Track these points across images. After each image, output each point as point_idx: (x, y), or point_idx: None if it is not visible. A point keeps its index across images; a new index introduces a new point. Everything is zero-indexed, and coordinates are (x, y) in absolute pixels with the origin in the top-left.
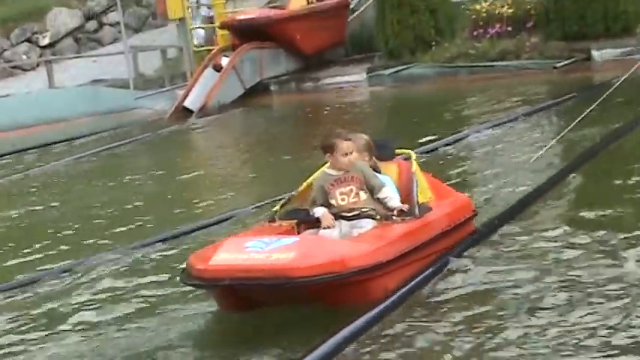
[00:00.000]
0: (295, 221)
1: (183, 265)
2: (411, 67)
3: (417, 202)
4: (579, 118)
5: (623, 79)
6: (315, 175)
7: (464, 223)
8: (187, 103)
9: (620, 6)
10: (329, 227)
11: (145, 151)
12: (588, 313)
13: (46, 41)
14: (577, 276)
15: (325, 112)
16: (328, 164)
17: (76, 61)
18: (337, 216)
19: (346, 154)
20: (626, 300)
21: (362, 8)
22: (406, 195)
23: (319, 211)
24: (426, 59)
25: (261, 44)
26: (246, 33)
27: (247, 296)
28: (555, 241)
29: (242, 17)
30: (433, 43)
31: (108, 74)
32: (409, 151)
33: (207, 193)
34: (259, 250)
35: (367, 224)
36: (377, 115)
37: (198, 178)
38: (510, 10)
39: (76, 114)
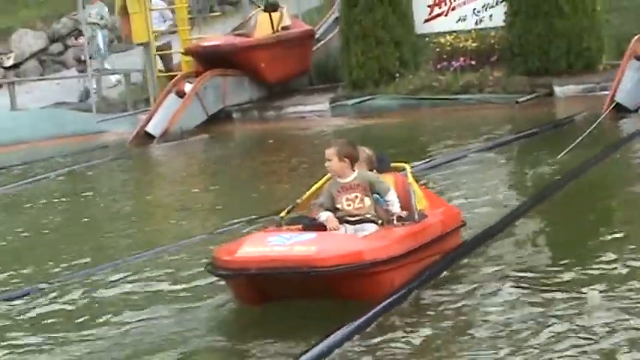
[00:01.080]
0: (301, 226)
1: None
2: (375, 98)
3: (416, 209)
4: (565, 151)
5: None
6: (322, 181)
7: (455, 230)
8: (149, 128)
9: (583, 42)
10: (334, 230)
11: (104, 175)
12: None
13: (10, 62)
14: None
15: (286, 141)
16: None
17: (40, 83)
18: (342, 220)
19: (328, 160)
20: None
21: (327, 38)
22: (403, 204)
23: (324, 215)
24: (390, 91)
25: (224, 71)
26: (211, 60)
27: (267, 288)
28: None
29: (206, 44)
30: (397, 74)
31: (71, 97)
32: (404, 164)
33: (159, 219)
34: (282, 244)
35: (370, 228)
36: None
37: (154, 204)
38: (474, 44)
39: (38, 136)
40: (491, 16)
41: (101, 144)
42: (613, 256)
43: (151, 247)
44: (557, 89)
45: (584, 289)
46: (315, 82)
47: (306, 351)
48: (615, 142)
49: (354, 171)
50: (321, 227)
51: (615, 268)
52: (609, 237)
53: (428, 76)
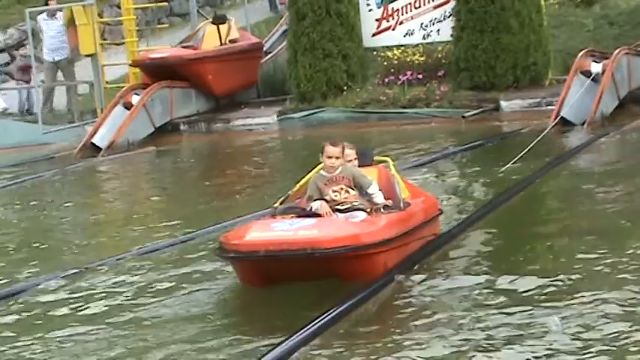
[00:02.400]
0: (295, 216)
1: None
2: (322, 111)
3: (401, 198)
4: (509, 164)
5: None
6: (311, 174)
7: (435, 218)
8: (96, 140)
9: (529, 58)
10: (328, 215)
11: (49, 187)
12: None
13: None
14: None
15: (233, 154)
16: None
17: None
18: (332, 209)
19: (330, 157)
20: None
21: (275, 51)
22: (387, 194)
23: (317, 204)
24: (338, 104)
25: (172, 83)
26: (158, 72)
27: (272, 270)
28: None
29: (154, 56)
30: (345, 87)
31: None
32: (387, 158)
33: (105, 230)
34: (286, 229)
35: (360, 215)
36: (285, 157)
37: (99, 215)
38: (422, 58)
39: None
40: (438, 30)
41: (47, 155)
42: (558, 264)
43: (96, 259)
44: (503, 104)
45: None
46: (263, 95)
47: (290, 336)
48: (560, 155)
49: (340, 166)
50: (314, 216)
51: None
52: (553, 246)
53: (375, 90)
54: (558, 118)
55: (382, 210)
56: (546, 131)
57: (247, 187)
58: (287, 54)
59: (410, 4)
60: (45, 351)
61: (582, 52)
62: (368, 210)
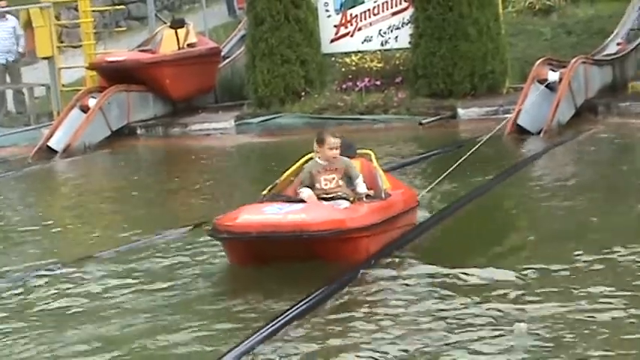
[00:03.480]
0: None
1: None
2: (280, 116)
3: (382, 189)
4: (447, 171)
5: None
6: (302, 161)
7: (413, 209)
8: (52, 143)
9: (487, 65)
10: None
11: (4, 189)
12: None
13: None
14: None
15: (190, 158)
16: (317, 153)
17: None
18: (318, 197)
19: (332, 149)
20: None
21: (233, 56)
22: (370, 185)
23: (305, 192)
24: (295, 109)
25: (129, 87)
26: (115, 75)
27: (262, 251)
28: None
29: (111, 59)
30: (303, 93)
31: None
32: (369, 151)
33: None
34: (276, 212)
35: (344, 203)
36: (241, 162)
37: (54, 218)
38: (380, 65)
39: None
40: (397, 37)
41: (1, 158)
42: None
43: (53, 261)
44: (460, 111)
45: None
46: (221, 100)
47: (261, 328)
48: (516, 164)
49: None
50: (300, 202)
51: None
52: (507, 253)
53: (333, 96)
54: (515, 126)
55: (365, 199)
56: (487, 135)
57: (203, 190)
58: (245, 59)
59: (369, 10)
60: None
61: (540, 60)
62: (351, 199)
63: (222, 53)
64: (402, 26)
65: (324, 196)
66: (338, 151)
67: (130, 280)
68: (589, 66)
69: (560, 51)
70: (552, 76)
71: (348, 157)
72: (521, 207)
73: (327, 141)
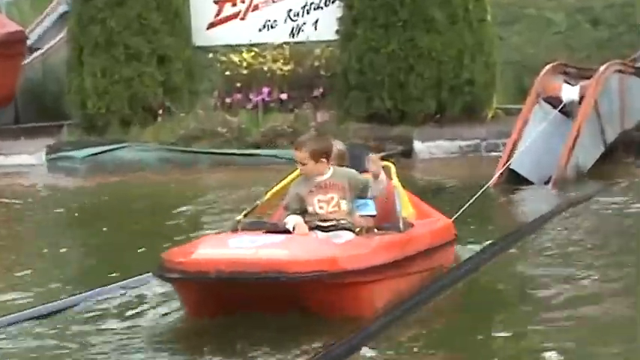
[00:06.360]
0: (261, 232)
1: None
2: (122, 147)
3: (400, 217)
4: None
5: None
6: (289, 179)
7: (447, 244)
8: None
9: (462, 72)
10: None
11: None
12: None
13: None
14: None
15: None
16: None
17: None
18: (312, 225)
19: (302, 164)
20: None
21: (47, 47)
22: (383, 211)
23: (292, 220)
24: (147, 136)
25: None
26: None
27: (226, 297)
28: None
29: None
30: (160, 111)
31: None
32: (388, 163)
33: None
34: (245, 246)
35: (346, 235)
36: (55, 226)
37: None
38: (288, 67)
39: None
40: (316, 22)
41: None
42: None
43: None
44: (418, 146)
45: None
46: (24, 118)
47: None
48: (514, 231)
49: (329, 167)
50: (286, 233)
51: None
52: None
53: (210, 116)
54: (505, 172)
55: (376, 230)
56: (470, 200)
57: None
58: (67, 52)
59: None
60: None
61: (548, 66)
62: (357, 230)
63: (28, 42)
64: (326, 5)
65: (320, 224)
66: (310, 167)
67: None
68: (627, 77)
69: (580, 51)
70: (568, 92)
71: (360, 171)
72: (515, 289)
73: (296, 155)
